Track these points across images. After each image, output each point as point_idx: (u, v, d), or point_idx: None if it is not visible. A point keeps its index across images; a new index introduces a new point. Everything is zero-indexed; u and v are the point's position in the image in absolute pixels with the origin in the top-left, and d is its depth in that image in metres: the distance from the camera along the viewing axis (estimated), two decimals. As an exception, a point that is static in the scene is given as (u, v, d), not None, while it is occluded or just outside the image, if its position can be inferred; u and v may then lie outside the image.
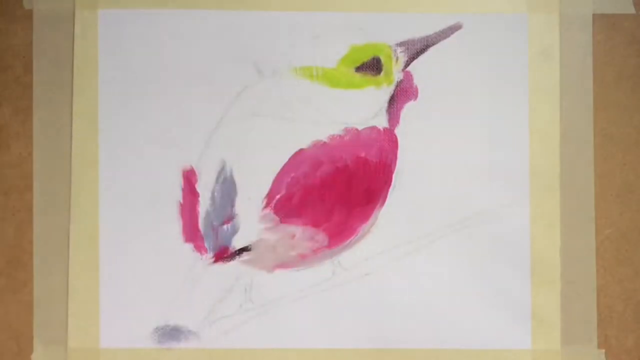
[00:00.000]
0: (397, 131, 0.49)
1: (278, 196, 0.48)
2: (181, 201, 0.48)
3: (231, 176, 0.48)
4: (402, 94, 0.49)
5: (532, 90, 0.49)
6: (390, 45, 0.49)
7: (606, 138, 0.49)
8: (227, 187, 0.48)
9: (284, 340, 0.48)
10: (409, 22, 0.48)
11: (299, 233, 0.48)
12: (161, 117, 0.48)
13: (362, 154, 0.48)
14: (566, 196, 0.48)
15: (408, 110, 0.49)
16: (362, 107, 0.48)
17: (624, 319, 0.49)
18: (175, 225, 0.48)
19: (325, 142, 0.48)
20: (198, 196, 0.48)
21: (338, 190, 0.48)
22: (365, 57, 0.48)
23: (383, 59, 0.48)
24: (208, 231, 0.48)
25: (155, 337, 0.48)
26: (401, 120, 0.49)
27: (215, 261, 0.48)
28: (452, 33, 0.49)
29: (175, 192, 0.48)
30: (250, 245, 0.48)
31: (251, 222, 0.48)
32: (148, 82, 0.48)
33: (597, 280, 0.49)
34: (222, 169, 0.48)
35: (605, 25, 0.49)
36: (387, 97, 0.49)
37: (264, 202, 0.48)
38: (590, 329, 0.48)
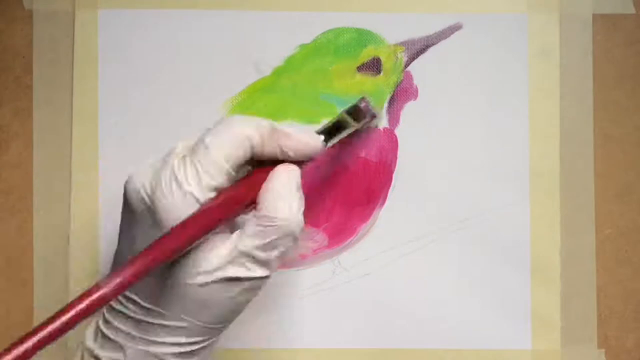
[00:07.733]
0: (397, 131, 0.49)
1: (278, 196, 0.48)
2: (181, 201, 0.48)
3: (231, 176, 0.48)
4: (402, 94, 0.49)
5: (532, 90, 0.49)
6: (390, 45, 0.49)
7: (606, 138, 0.49)
8: (227, 187, 0.48)
9: (284, 340, 0.48)
10: (409, 22, 0.48)
11: (299, 233, 0.48)
12: (161, 117, 0.48)
13: (362, 154, 0.48)
14: (566, 196, 0.48)
15: (408, 110, 0.49)
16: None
17: (624, 319, 0.49)
18: (175, 225, 0.48)
19: (325, 142, 0.48)
20: (198, 196, 0.48)
21: (338, 190, 0.48)
22: (366, 57, 0.48)
23: (383, 59, 0.48)
24: (208, 231, 0.48)
25: (155, 337, 0.48)
26: (401, 120, 0.49)
27: (215, 261, 0.48)
28: (452, 33, 0.49)
29: (175, 192, 0.48)
30: (250, 245, 0.48)
31: (251, 222, 0.48)
32: (148, 82, 0.48)
33: (597, 280, 0.49)
34: (222, 169, 0.48)
35: (605, 25, 0.49)
36: (387, 97, 0.49)
37: (264, 202, 0.48)
38: (590, 329, 0.48)
